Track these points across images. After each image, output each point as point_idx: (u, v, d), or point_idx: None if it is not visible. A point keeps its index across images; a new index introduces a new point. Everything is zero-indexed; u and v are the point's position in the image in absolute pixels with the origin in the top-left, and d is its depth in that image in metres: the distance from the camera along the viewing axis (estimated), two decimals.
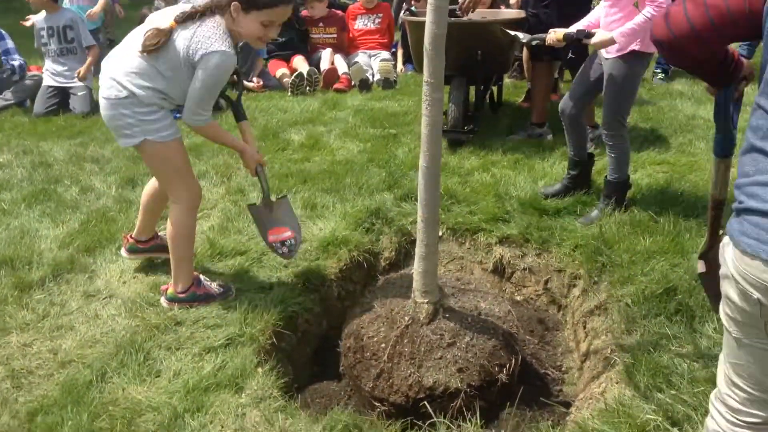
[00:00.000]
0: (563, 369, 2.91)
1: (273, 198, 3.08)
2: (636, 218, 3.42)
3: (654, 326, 2.61)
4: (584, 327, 2.94)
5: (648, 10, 3.15)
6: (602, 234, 3.28)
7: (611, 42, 3.31)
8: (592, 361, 2.69)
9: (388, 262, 3.52)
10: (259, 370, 2.51)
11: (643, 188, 3.84)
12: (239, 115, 2.97)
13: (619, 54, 3.36)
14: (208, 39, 2.53)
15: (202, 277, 3.03)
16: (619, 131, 3.47)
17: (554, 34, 3.55)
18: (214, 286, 3.00)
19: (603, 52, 3.46)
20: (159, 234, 3.29)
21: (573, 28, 3.52)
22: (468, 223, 3.61)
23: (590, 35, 3.40)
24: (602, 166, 4.07)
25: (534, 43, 3.80)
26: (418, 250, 2.54)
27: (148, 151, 2.76)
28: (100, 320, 2.85)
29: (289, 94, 6.37)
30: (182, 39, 2.56)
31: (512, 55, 5.39)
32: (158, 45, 2.56)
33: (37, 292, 3.06)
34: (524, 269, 3.40)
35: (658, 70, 6.60)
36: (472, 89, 5.19)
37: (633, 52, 3.33)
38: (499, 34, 4.56)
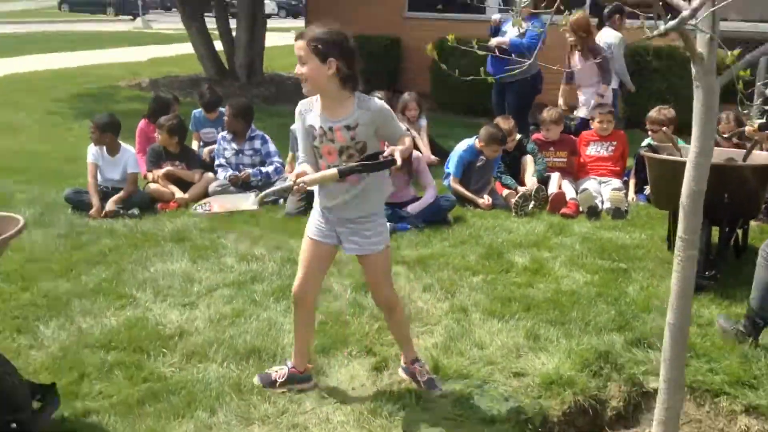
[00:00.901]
0: None
1: (257, 199, 3.01)
2: None
3: None
4: None
5: None
6: None
7: None
8: None
9: (615, 412, 3.32)
10: None
11: None
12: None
13: None
14: None
15: (306, 382, 3.31)
16: None
17: (750, 125, 3.24)
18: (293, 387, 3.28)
19: None
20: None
21: None
22: (708, 383, 3.31)
23: None
24: None
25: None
26: (658, 414, 2.40)
27: None
28: (331, 425, 3.02)
29: (514, 214, 6.46)
30: None
31: (763, 199, 5.00)
32: None
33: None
34: None
35: None
36: (715, 230, 4.87)
37: None
38: (751, 177, 4.28)
